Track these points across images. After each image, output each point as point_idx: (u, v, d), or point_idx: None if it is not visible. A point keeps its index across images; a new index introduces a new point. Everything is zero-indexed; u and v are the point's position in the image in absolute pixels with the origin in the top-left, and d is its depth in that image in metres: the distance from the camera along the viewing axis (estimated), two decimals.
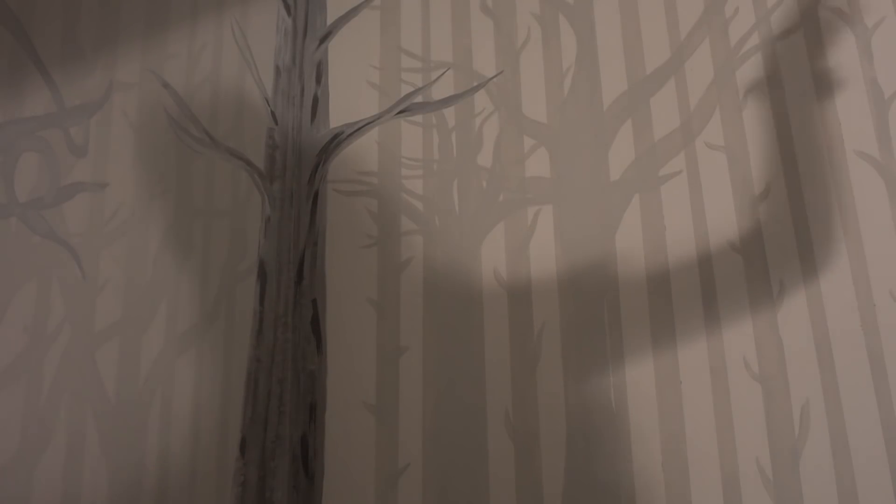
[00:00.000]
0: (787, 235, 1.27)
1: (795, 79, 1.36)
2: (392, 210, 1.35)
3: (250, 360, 1.26)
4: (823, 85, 1.35)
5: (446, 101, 1.40)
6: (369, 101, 1.42)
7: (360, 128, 1.38)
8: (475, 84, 1.41)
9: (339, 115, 1.41)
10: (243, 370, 1.27)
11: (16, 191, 1.40)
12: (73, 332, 1.33)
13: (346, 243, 1.34)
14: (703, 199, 1.30)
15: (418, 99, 1.40)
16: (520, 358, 1.25)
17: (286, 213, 1.33)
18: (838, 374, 1.20)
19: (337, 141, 1.37)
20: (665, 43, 1.40)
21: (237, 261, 1.35)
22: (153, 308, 1.34)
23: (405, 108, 1.39)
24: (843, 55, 1.36)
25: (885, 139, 1.31)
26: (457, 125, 1.39)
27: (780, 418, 1.19)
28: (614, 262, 1.29)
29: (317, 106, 1.40)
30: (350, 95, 1.42)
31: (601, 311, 1.26)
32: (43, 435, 1.28)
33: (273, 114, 1.39)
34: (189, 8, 1.52)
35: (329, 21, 1.45)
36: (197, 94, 1.46)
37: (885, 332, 1.21)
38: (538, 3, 1.45)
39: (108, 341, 1.33)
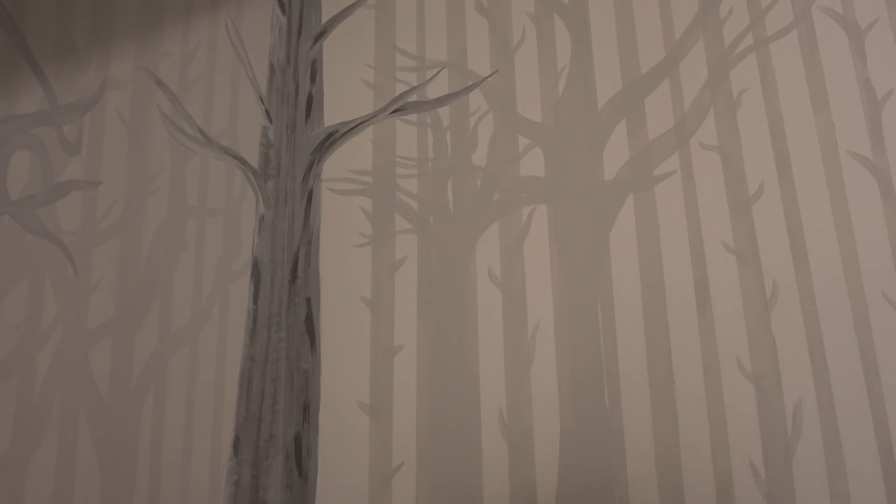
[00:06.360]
0: (781, 235, 1.28)
1: (789, 79, 1.36)
2: (386, 209, 1.35)
3: (244, 359, 1.26)
4: (817, 85, 1.35)
5: (441, 101, 1.40)
6: (364, 99, 1.42)
7: (354, 126, 1.38)
8: (470, 83, 1.41)
9: (333, 113, 1.41)
10: (237, 369, 1.27)
11: (8, 189, 1.40)
12: (66, 330, 1.33)
13: (340, 242, 1.34)
14: (697, 199, 1.31)
15: (413, 98, 1.40)
16: (514, 357, 1.26)
17: (280, 212, 1.33)
18: (831, 373, 1.20)
19: (331, 139, 1.37)
20: (659, 43, 1.40)
21: (231, 259, 1.35)
22: (146, 307, 1.34)
23: (400, 107, 1.39)
24: (837, 56, 1.37)
25: (878, 140, 1.31)
26: (451, 124, 1.39)
27: (773, 418, 1.19)
28: (608, 261, 1.29)
29: (311, 104, 1.39)
30: (345, 94, 1.42)
31: (595, 311, 1.27)
32: (35, 433, 1.27)
33: (267, 112, 1.38)
34: (183, 6, 1.51)
35: (324, 19, 1.45)
36: (191, 92, 1.45)
37: (877, 332, 1.22)
38: (533, 2, 1.45)
39: (101, 340, 1.32)
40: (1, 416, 1.28)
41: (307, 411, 1.24)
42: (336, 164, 1.38)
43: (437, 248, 1.33)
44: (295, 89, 1.39)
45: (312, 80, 1.41)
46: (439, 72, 1.42)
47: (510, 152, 1.37)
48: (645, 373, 1.23)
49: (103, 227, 1.38)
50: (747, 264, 1.27)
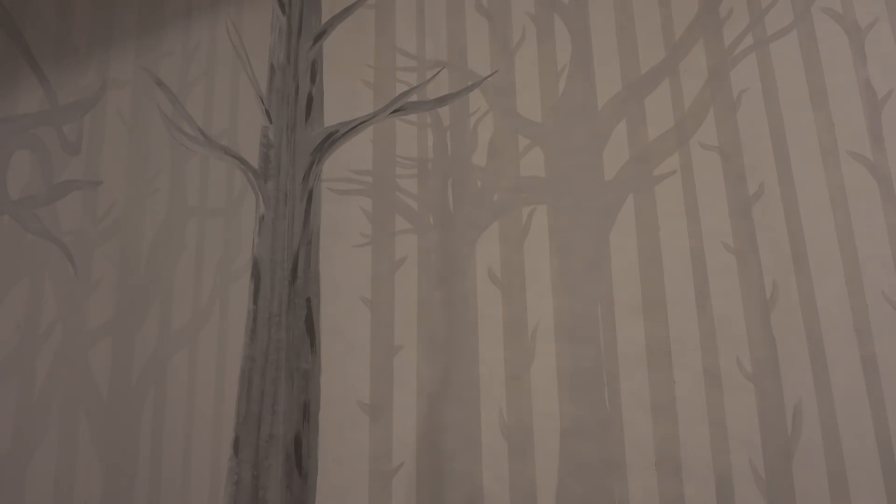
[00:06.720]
0: (781, 235, 1.28)
1: (789, 79, 1.36)
2: (386, 209, 1.35)
3: (244, 359, 1.26)
4: (817, 86, 1.35)
5: (441, 101, 1.40)
6: (364, 99, 1.42)
7: (354, 126, 1.38)
8: (470, 83, 1.41)
9: (333, 113, 1.41)
10: (237, 369, 1.26)
11: (8, 189, 1.40)
12: (66, 330, 1.33)
13: (340, 242, 1.34)
14: (696, 199, 1.31)
15: (413, 98, 1.40)
16: (514, 357, 1.25)
17: (280, 212, 1.33)
18: (831, 374, 1.20)
19: (331, 140, 1.37)
20: (659, 43, 1.40)
21: (231, 259, 1.35)
22: (146, 307, 1.33)
23: (400, 107, 1.39)
24: (837, 56, 1.37)
25: (877, 140, 1.31)
26: (451, 124, 1.39)
27: (773, 418, 1.19)
28: (608, 261, 1.29)
29: (311, 104, 1.39)
30: (345, 94, 1.42)
31: (595, 311, 1.27)
32: (35, 433, 1.27)
33: (267, 112, 1.38)
34: (183, 6, 1.51)
35: (324, 20, 1.45)
36: (191, 92, 1.45)
37: (877, 332, 1.21)
38: (533, 2, 1.45)
39: (101, 340, 1.32)
40: (1, 416, 1.28)
41: (307, 411, 1.24)
42: (336, 164, 1.38)
43: (437, 248, 1.33)
44: (295, 89, 1.39)
45: (312, 80, 1.41)
46: (439, 72, 1.42)
47: (510, 152, 1.37)
48: (645, 373, 1.23)
49: (104, 226, 1.38)
50: (747, 264, 1.27)
